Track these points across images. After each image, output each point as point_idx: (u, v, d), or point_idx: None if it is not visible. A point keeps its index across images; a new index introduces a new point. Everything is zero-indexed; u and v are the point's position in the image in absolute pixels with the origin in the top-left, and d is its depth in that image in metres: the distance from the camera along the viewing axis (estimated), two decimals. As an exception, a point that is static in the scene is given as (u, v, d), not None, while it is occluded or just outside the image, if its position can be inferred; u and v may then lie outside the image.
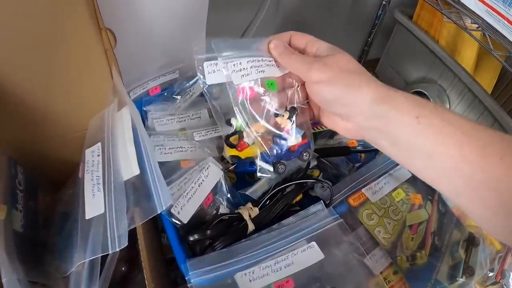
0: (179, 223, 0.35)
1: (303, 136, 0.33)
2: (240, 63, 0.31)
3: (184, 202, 0.35)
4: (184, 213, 0.35)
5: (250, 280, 0.30)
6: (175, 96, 0.45)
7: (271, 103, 0.31)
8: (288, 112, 0.31)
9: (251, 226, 0.34)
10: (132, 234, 0.36)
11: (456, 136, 0.24)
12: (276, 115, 0.31)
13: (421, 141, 0.25)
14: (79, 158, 0.43)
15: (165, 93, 0.45)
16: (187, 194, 0.36)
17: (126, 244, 0.29)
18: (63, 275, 0.37)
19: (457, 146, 0.24)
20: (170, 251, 0.42)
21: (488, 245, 0.40)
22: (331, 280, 0.31)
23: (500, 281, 0.39)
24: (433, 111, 0.25)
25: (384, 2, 0.61)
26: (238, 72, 0.30)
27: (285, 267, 0.31)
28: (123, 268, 0.40)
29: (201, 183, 0.37)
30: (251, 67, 0.31)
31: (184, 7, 0.36)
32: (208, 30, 0.45)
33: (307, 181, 0.38)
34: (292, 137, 0.32)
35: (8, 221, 0.34)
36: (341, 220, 0.35)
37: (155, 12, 0.35)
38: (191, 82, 0.44)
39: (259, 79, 0.31)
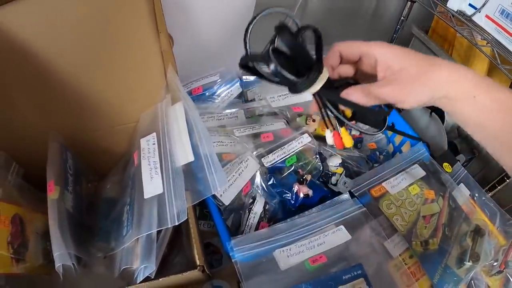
0: (221, 204, 0.39)
1: None
2: None
3: (226, 187, 0.40)
4: (226, 196, 0.40)
5: (288, 256, 0.35)
6: (215, 97, 0.50)
7: None
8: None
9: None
10: None
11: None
12: None
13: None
14: (123, 149, 0.48)
15: (206, 93, 0.49)
16: (228, 180, 0.40)
17: (185, 218, 0.33)
18: (106, 254, 0.41)
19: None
20: (206, 237, 0.46)
21: (493, 239, 0.45)
22: (356, 258, 0.36)
23: (504, 270, 0.43)
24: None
25: (402, 18, 0.66)
26: None
27: (318, 246, 0.36)
28: (165, 251, 0.44)
29: (240, 172, 0.42)
30: None
31: (232, 17, 0.41)
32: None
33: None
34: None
35: (61, 201, 0.38)
36: (365, 208, 0.40)
37: (207, 21, 0.41)
38: (230, 85, 0.50)
39: None
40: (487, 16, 0.52)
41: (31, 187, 0.42)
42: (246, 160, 0.42)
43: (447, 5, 0.55)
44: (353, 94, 0.29)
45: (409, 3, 0.64)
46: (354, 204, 0.40)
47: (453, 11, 0.54)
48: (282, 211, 0.43)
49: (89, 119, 0.44)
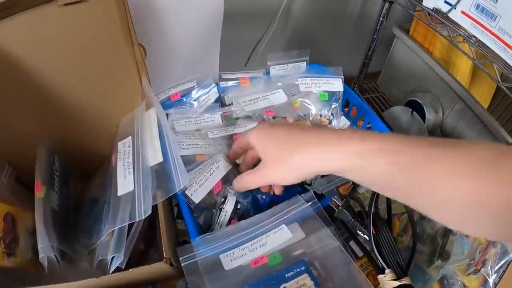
0: (191, 203, 0.41)
1: None
2: None
3: (197, 187, 0.42)
4: (196, 195, 0.41)
5: (231, 260, 0.35)
6: (193, 102, 0.52)
7: None
8: None
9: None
10: (151, 218, 0.42)
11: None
12: None
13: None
14: (108, 152, 0.51)
15: (184, 99, 0.52)
16: (199, 180, 0.42)
17: (150, 212, 0.35)
18: (89, 249, 0.43)
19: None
20: (183, 235, 0.48)
21: (470, 238, 0.44)
22: (314, 257, 0.35)
23: (481, 269, 0.42)
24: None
25: (381, 18, 0.67)
26: None
27: (260, 247, 0.36)
28: (141, 247, 0.45)
29: (212, 173, 0.43)
30: None
31: (203, 27, 0.44)
32: (222, 45, 0.53)
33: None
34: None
35: (47, 199, 0.41)
36: (319, 205, 0.40)
37: (179, 31, 0.44)
38: (207, 90, 0.52)
39: None
40: (462, 12, 0.52)
41: (23, 188, 0.46)
42: (218, 161, 0.44)
43: (423, 4, 0.55)
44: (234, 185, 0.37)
45: (387, 3, 0.64)
46: (311, 203, 0.40)
47: (429, 9, 0.55)
48: (254, 209, 0.45)
49: (75, 125, 0.48)
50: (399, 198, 0.29)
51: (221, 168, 0.44)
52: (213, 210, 0.44)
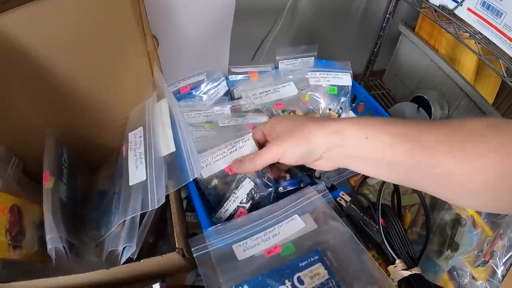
0: (199, 176, 0.39)
1: None
2: None
3: (211, 161, 0.40)
4: (207, 170, 0.39)
5: (244, 250, 0.35)
6: (202, 95, 0.52)
7: None
8: None
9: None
10: (161, 210, 0.42)
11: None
12: None
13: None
14: (116, 145, 0.51)
15: (194, 92, 0.52)
16: (216, 155, 0.40)
17: (164, 201, 0.35)
18: (98, 241, 0.43)
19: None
20: (193, 228, 0.48)
21: (478, 229, 0.44)
22: (326, 248, 0.35)
23: (489, 260, 0.42)
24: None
25: (388, 15, 0.68)
26: None
27: (273, 237, 0.36)
28: (150, 240, 0.45)
29: (233, 151, 0.40)
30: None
31: (214, 20, 0.44)
32: (231, 39, 0.53)
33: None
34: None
35: (55, 190, 0.41)
36: (331, 197, 0.40)
37: (191, 24, 0.44)
38: (216, 83, 0.52)
39: None
40: (469, 9, 0.52)
41: (29, 180, 0.45)
42: (246, 140, 0.41)
43: (429, 0, 0.56)
44: (233, 168, 0.38)
45: (393, 0, 0.65)
46: (322, 195, 0.40)
47: (436, 6, 0.55)
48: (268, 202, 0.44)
49: (83, 116, 0.47)
50: (397, 177, 0.31)
51: (246, 148, 0.40)
52: (225, 194, 0.42)
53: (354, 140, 0.30)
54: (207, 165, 0.39)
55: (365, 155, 0.30)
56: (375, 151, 0.29)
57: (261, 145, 0.40)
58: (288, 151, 0.34)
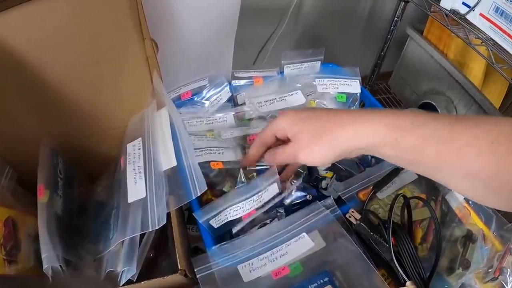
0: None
1: None
2: None
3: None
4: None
5: (250, 271, 0.34)
6: (204, 101, 0.50)
7: None
8: None
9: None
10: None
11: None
12: None
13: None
14: (114, 153, 0.49)
15: (195, 98, 0.50)
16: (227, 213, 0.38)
17: (164, 222, 0.34)
18: (96, 257, 0.41)
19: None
20: (194, 241, 0.46)
21: (488, 244, 0.43)
22: (335, 267, 0.34)
23: (498, 277, 0.42)
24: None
25: (396, 18, 0.66)
26: None
27: (280, 257, 0.35)
28: (151, 255, 0.43)
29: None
30: None
31: (217, 23, 0.42)
32: (235, 41, 0.51)
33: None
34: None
35: (51, 204, 0.39)
36: (339, 212, 0.39)
37: (193, 27, 0.41)
38: (219, 89, 0.50)
39: None
40: (481, 15, 0.51)
41: (24, 191, 0.43)
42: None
43: (440, 4, 0.54)
44: (265, 158, 0.37)
45: (402, 3, 0.63)
46: (331, 210, 0.39)
47: (447, 10, 0.53)
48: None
49: (81, 124, 0.45)
50: (423, 172, 0.30)
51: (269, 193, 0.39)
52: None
53: (383, 144, 0.30)
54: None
55: (394, 155, 0.30)
56: (404, 153, 0.29)
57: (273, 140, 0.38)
58: (313, 158, 0.33)
